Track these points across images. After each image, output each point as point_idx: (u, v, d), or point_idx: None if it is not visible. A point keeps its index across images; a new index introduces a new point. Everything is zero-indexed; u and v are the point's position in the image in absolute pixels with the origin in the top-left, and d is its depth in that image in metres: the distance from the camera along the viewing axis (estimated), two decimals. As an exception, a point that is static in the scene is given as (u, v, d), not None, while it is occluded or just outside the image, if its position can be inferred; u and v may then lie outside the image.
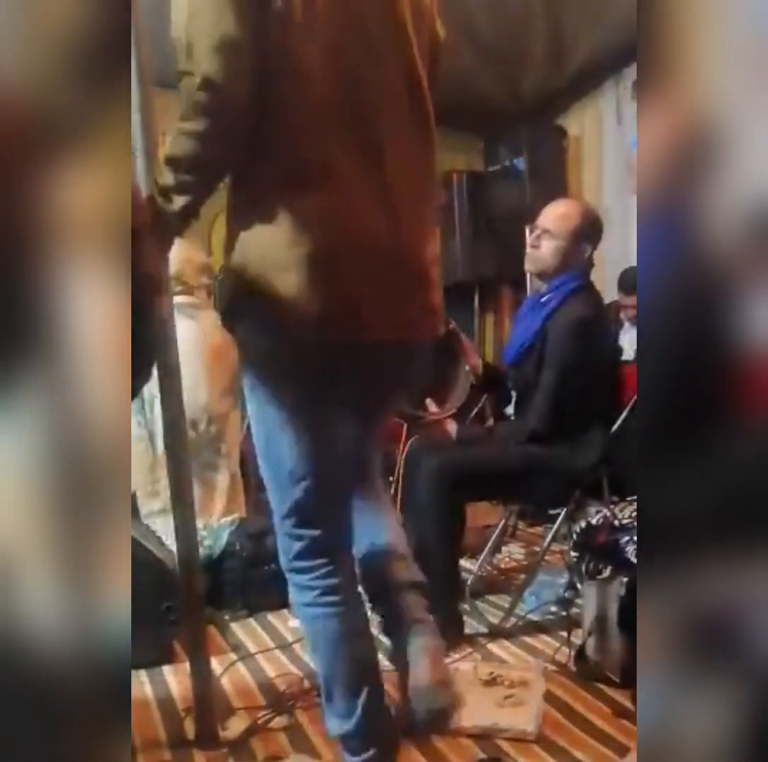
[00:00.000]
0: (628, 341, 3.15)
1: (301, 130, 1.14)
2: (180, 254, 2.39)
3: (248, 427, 1.58)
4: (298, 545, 1.31)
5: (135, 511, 2.41)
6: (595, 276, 2.50)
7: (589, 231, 2.35)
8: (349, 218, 1.18)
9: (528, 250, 2.40)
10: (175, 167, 1.12)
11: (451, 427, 2.39)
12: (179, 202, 1.13)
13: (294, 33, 1.10)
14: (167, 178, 1.14)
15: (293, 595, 1.38)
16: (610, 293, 3.55)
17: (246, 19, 1.06)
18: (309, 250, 1.15)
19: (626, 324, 3.50)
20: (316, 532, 1.29)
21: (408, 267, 1.25)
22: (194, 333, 2.46)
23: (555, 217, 2.35)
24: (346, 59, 1.15)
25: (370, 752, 1.34)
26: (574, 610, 2.25)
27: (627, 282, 3.52)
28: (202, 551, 2.17)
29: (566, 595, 2.47)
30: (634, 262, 3.35)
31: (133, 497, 2.44)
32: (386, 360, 1.27)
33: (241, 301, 1.21)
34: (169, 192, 1.14)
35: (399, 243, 1.23)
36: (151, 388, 2.81)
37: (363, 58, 1.17)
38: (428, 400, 2.34)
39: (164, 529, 2.25)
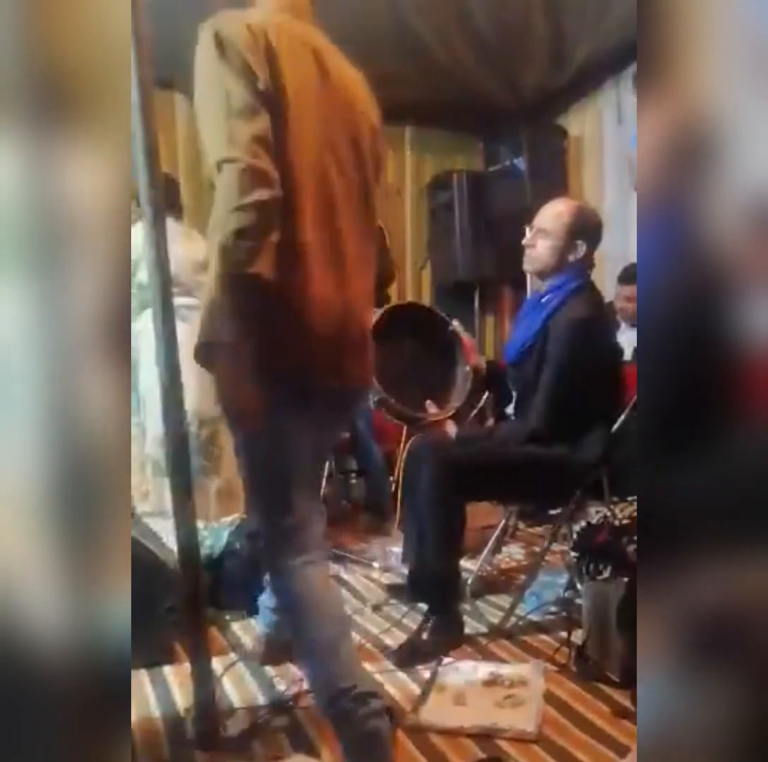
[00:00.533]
0: (625, 342, 3.14)
1: (289, 217, 1.42)
2: (178, 253, 2.38)
3: None
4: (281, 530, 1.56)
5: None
6: (596, 276, 2.50)
7: (583, 228, 2.35)
8: (315, 289, 1.47)
9: (526, 250, 2.41)
10: (245, 236, 1.33)
11: (451, 427, 2.39)
12: (255, 266, 1.36)
13: (290, 146, 1.44)
14: (240, 248, 1.34)
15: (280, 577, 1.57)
16: (611, 293, 3.55)
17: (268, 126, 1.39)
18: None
19: (623, 325, 3.49)
20: (291, 520, 1.54)
21: (354, 330, 1.55)
22: (188, 336, 2.45)
23: (549, 216, 2.37)
24: (321, 170, 1.50)
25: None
26: (574, 610, 2.25)
27: (626, 274, 3.51)
28: (202, 551, 2.18)
29: (566, 595, 2.47)
30: (634, 261, 3.35)
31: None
32: (333, 403, 1.57)
33: (219, 343, 1.39)
34: (243, 258, 1.35)
35: (349, 310, 1.53)
36: (145, 384, 2.82)
37: (335, 170, 1.54)
38: (428, 402, 2.34)
39: (155, 530, 2.25)
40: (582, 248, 2.33)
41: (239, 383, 1.40)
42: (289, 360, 1.47)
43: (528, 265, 2.44)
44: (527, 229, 2.45)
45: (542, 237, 2.35)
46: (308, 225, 1.47)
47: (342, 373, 1.55)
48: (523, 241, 2.41)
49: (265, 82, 1.39)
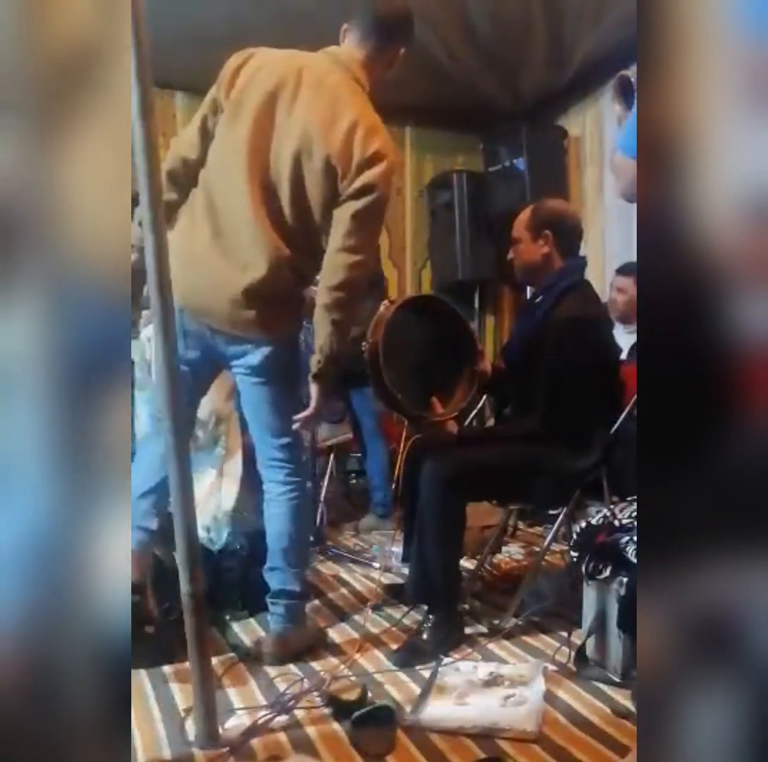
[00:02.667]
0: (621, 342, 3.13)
1: None
2: None
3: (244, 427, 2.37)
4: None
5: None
6: (596, 276, 2.50)
7: (542, 220, 2.39)
8: None
9: (512, 263, 2.50)
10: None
11: (452, 426, 2.39)
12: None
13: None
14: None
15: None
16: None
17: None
18: None
19: (618, 326, 3.45)
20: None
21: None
22: None
23: (515, 225, 2.46)
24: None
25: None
26: (574, 610, 2.25)
27: (623, 267, 3.49)
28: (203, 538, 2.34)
29: (566, 595, 2.47)
30: (634, 260, 3.34)
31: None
32: None
33: None
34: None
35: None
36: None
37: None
38: (433, 399, 2.32)
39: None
40: (549, 237, 2.36)
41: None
42: None
43: (517, 275, 2.53)
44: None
45: (514, 246, 2.45)
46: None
47: None
48: (508, 258, 2.50)
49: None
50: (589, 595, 2.09)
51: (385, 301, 2.51)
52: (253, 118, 1.95)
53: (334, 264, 1.98)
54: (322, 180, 1.95)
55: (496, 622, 2.39)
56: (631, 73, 3.10)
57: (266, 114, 1.96)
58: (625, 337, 3.17)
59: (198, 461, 2.42)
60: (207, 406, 2.54)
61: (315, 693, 1.94)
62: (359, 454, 3.74)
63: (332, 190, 1.96)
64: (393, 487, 2.67)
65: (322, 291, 2.00)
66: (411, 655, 2.15)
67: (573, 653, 2.09)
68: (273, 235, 1.97)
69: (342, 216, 1.97)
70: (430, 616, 2.25)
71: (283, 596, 2.18)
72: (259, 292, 1.98)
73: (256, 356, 2.06)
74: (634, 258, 3.43)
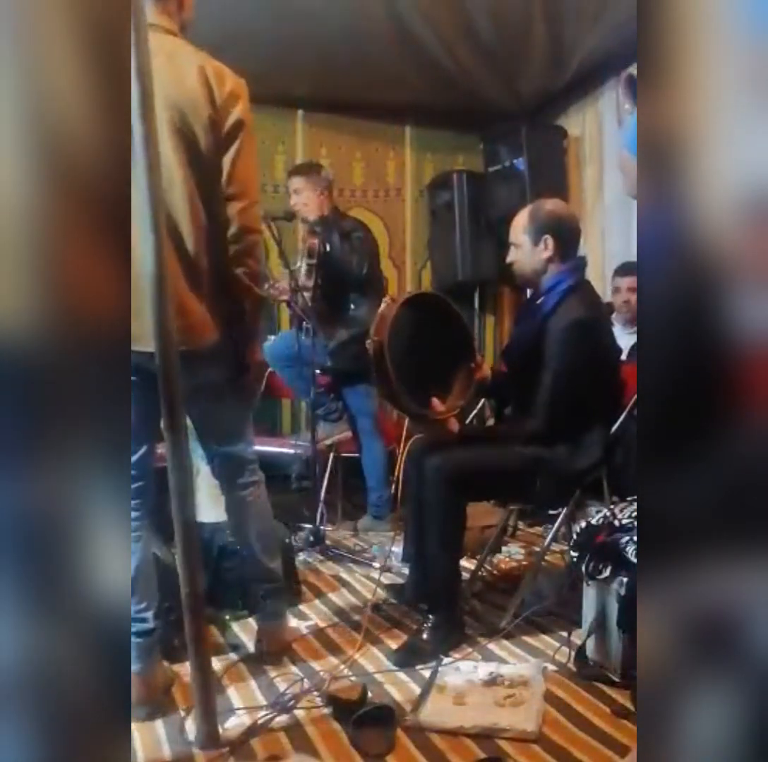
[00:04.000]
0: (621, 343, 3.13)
1: None
2: None
3: None
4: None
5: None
6: (596, 276, 2.50)
7: (543, 223, 2.37)
8: None
9: (511, 268, 2.48)
10: None
11: (454, 424, 2.39)
12: None
13: None
14: None
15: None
16: (610, 293, 3.55)
17: None
18: None
19: (618, 327, 3.45)
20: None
21: None
22: None
23: (513, 228, 2.43)
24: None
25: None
26: (574, 610, 2.25)
27: (622, 267, 3.49)
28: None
29: (566, 595, 2.47)
30: (634, 260, 3.34)
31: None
32: None
33: None
34: None
35: None
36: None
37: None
38: (434, 398, 2.32)
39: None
40: (549, 242, 2.34)
41: None
42: None
43: (519, 281, 2.52)
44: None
45: (513, 249, 2.43)
46: None
47: None
48: (507, 261, 2.48)
49: None
50: (589, 595, 2.09)
51: (386, 298, 2.50)
52: None
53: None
54: (193, 137, 1.84)
55: (496, 622, 2.39)
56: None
57: None
58: (625, 338, 3.18)
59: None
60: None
61: (315, 693, 1.94)
62: (357, 455, 3.73)
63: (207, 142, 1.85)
64: (392, 487, 2.67)
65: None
66: (411, 655, 2.15)
67: (573, 653, 2.09)
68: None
69: (221, 165, 1.87)
70: (430, 616, 2.25)
71: (273, 594, 2.20)
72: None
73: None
74: (634, 258, 3.43)
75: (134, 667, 1.79)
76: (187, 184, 1.82)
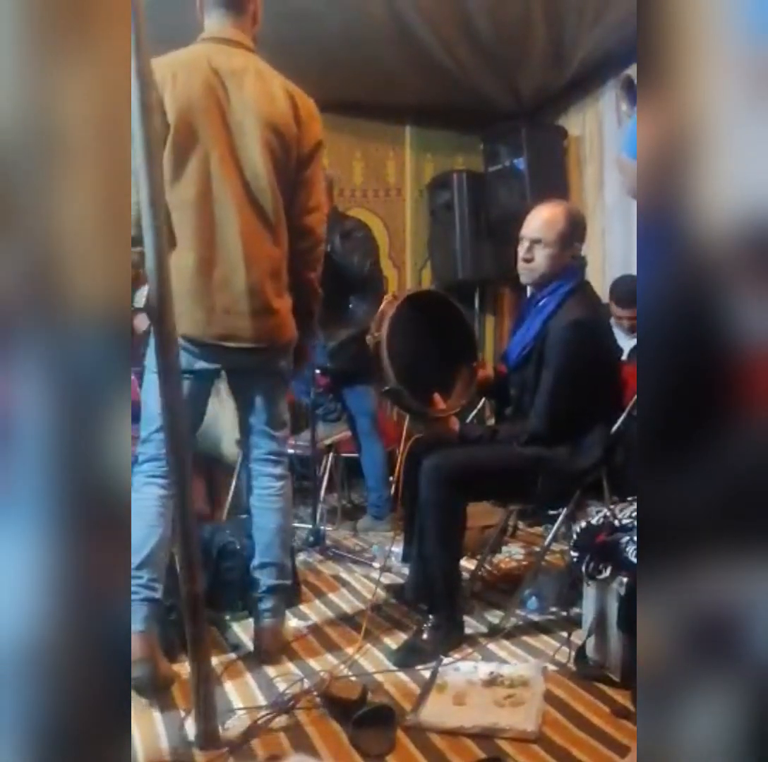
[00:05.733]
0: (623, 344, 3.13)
1: None
2: None
3: None
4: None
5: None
6: (596, 276, 2.50)
7: (576, 230, 2.36)
8: None
9: (521, 262, 2.37)
10: None
11: (455, 423, 2.39)
12: None
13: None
14: None
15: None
16: (610, 292, 3.55)
17: None
18: None
19: (621, 334, 3.44)
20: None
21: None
22: None
23: (542, 224, 2.33)
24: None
25: None
26: (574, 610, 2.25)
27: (620, 293, 3.45)
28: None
29: (566, 595, 2.47)
30: (634, 261, 3.33)
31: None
32: None
33: None
34: None
35: None
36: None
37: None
38: (436, 396, 2.31)
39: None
40: (578, 250, 2.34)
41: None
42: None
43: (526, 278, 2.40)
44: (520, 241, 2.38)
45: (539, 248, 2.32)
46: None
47: None
48: (521, 255, 2.36)
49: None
50: (589, 595, 2.09)
51: (388, 296, 2.50)
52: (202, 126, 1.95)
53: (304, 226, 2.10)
54: (282, 154, 2.02)
55: (496, 622, 2.39)
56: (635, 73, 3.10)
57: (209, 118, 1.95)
58: (625, 342, 3.18)
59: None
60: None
61: (315, 693, 1.94)
62: (356, 455, 3.73)
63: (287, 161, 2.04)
64: (392, 487, 2.67)
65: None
66: (411, 655, 2.15)
67: (573, 653, 2.09)
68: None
69: (302, 180, 2.07)
70: (430, 616, 2.25)
71: (279, 591, 2.20)
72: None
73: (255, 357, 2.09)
74: (634, 258, 3.43)
75: (137, 626, 1.87)
76: (275, 198, 2.00)
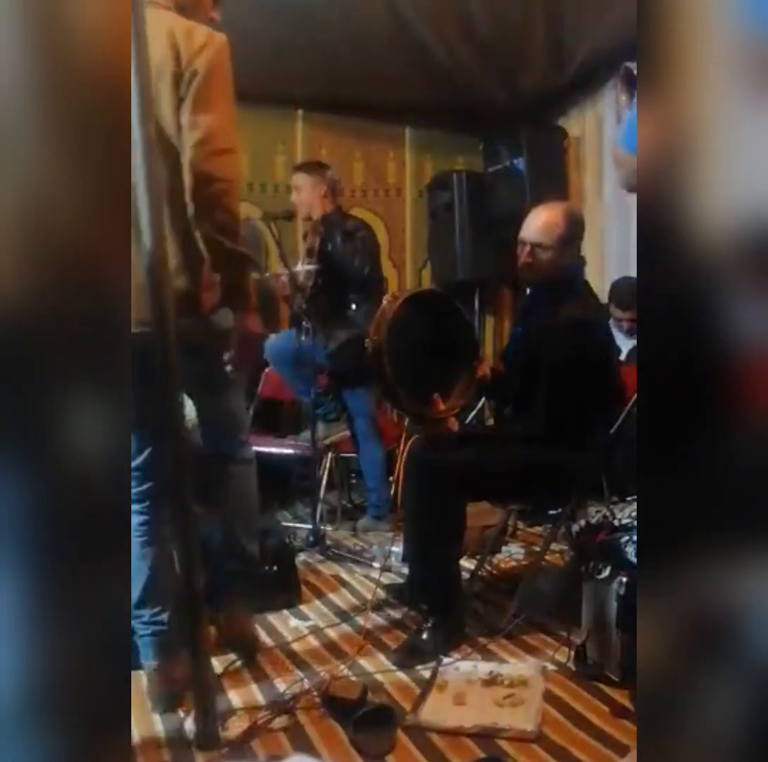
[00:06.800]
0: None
1: None
2: None
3: None
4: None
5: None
6: (595, 276, 2.50)
7: (575, 233, 2.36)
8: None
9: (521, 264, 2.37)
10: None
11: (454, 424, 2.39)
12: None
13: None
14: None
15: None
16: (609, 292, 3.55)
17: None
18: None
19: (620, 335, 3.44)
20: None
21: None
22: None
23: (541, 228, 2.32)
24: None
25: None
26: (574, 610, 2.25)
27: (620, 294, 3.46)
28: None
29: (566, 595, 2.47)
30: (634, 261, 3.33)
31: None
32: None
33: None
34: None
35: None
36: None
37: None
38: (435, 396, 2.31)
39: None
40: (578, 248, 2.34)
41: None
42: None
43: (533, 280, 2.41)
44: (520, 243, 2.37)
45: (540, 251, 2.32)
46: None
47: None
48: (521, 259, 2.35)
49: None
50: (589, 595, 2.09)
51: (388, 296, 2.50)
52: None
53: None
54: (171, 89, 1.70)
55: (496, 622, 2.39)
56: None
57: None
58: (625, 341, 3.18)
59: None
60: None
61: (315, 693, 1.94)
62: (356, 455, 3.73)
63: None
64: (392, 487, 2.66)
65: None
66: (411, 655, 2.15)
67: (573, 653, 2.09)
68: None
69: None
70: (430, 616, 2.25)
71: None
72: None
73: None
74: (633, 258, 3.43)
75: (152, 663, 1.81)
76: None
